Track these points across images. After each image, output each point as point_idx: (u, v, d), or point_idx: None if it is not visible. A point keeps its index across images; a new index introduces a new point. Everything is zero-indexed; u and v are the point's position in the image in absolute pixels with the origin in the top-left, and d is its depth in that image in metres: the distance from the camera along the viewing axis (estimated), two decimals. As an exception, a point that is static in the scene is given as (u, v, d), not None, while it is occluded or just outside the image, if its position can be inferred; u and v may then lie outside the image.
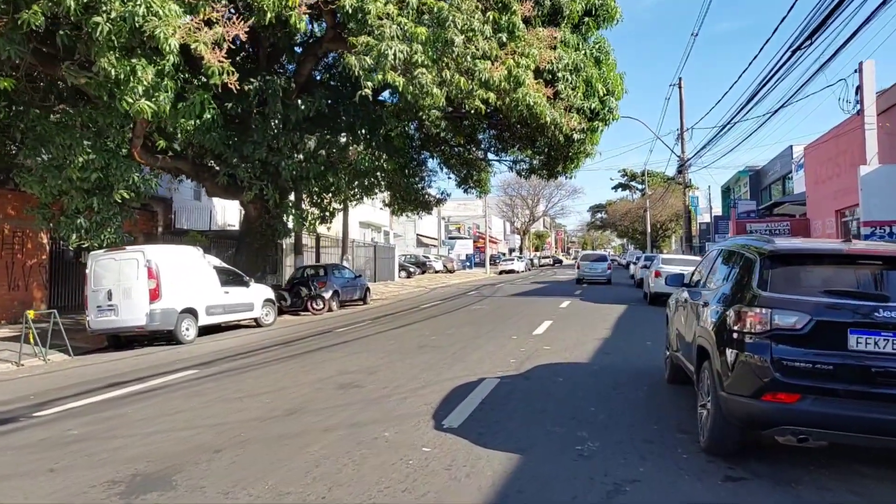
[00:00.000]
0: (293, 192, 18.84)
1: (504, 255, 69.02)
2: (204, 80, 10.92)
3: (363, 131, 16.74)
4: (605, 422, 5.57)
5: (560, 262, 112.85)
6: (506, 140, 22.13)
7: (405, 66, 11.00)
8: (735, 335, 4.37)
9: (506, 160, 22.98)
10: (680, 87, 28.35)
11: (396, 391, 6.85)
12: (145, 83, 9.24)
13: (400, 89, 11.12)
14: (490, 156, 23.21)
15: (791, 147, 44.53)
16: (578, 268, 32.66)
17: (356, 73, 11.09)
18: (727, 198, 64.35)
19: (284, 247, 26.81)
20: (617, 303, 19.05)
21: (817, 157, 35.05)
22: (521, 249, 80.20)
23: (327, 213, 19.47)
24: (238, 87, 11.16)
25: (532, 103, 12.34)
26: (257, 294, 14.06)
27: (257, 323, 14.17)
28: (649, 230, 59.67)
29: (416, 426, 5.45)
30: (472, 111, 12.60)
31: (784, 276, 4.42)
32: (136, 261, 11.35)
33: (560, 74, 13.76)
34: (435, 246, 56.83)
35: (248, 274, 18.29)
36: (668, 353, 7.45)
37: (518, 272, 52.48)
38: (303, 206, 20.01)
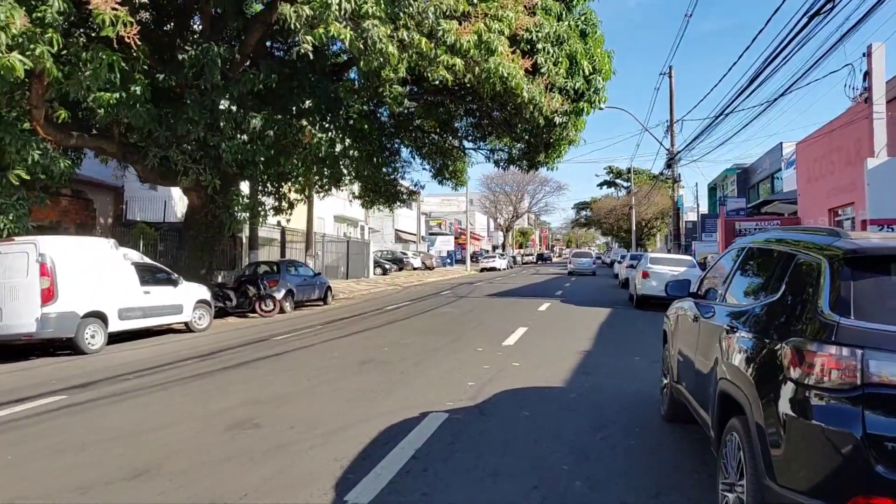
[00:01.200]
0: (244, 180, 16.98)
1: (487, 251, 67.37)
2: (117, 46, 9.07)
3: (321, 113, 14.87)
4: (583, 495, 3.84)
5: (549, 259, 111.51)
6: (484, 127, 20.43)
7: (354, 19, 9.19)
8: (794, 389, 2.64)
9: (483, 149, 21.22)
10: (670, 76, 26.78)
11: (303, 435, 5.06)
12: (13, 30, 7.33)
13: (347, 44, 9.30)
14: (466, 144, 21.44)
15: (781, 144, 43.25)
16: (570, 263, 42.70)
17: (292, 24, 9.26)
18: (713, 196, 63.26)
19: (245, 241, 24.91)
20: (601, 305, 17.40)
21: (810, 154, 33.67)
22: (503, 246, 78.62)
23: (284, 204, 17.61)
24: (167, 56, 9.36)
25: (506, 75, 10.59)
26: (188, 294, 12.18)
27: (188, 328, 12.29)
28: (634, 228, 58.36)
29: (305, 504, 3.69)
30: (437, 82, 10.80)
31: (877, 293, 2.69)
32: (26, 255, 9.41)
33: (540, 46, 12.03)
34: (414, 242, 55.01)
35: (191, 271, 16.40)
36: (665, 380, 5.75)
37: (499, 270, 50.84)
38: (258, 195, 18.16)
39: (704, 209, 59.86)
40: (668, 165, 26.66)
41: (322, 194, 25.03)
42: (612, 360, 8.68)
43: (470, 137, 21.86)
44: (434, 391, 6.63)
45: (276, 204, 17.60)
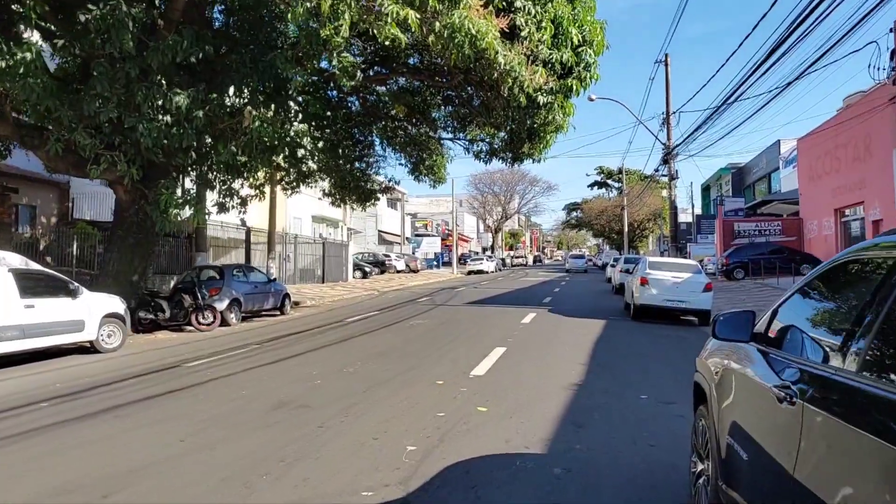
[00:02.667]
0: (181, 173, 14.74)
1: (477, 253, 65.25)
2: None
3: (265, 93, 12.68)
4: None
5: (540, 260, 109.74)
6: (463, 117, 18.30)
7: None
8: None
9: (461, 141, 19.07)
10: (666, 65, 24.78)
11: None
12: None
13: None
14: (444, 135, 19.30)
15: (779, 142, 41.40)
16: (567, 262, 56.09)
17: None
18: (707, 197, 61.47)
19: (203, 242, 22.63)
20: (593, 316, 15.29)
21: (813, 151, 31.73)
22: (492, 248, 76.56)
23: (232, 201, 15.38)
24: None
25: (475, 33, 8.45)
26: (92, 307, 9.94)
27: (94, 348, 10.05)
28: (626, 230, 56.45)
29: None
30: (387, 42, 8.62)
31: None
32: None
33: (519, 3, 9.90)
34: (398, 243, 52.79)
35: (120, 277, 14.15)
36: (699, 465, 3.64)
37: (487, 272, 48.78)
38: (203, 190, 15.92)
39: (698, 210, 58.13)
40: (665, 161, 24.64)
41: (289, 191, 22.86)
42: (610, 401, 6.54)
43: (449, 128, 19.72)
44: (353, 465, 4.47)
45: (222, 200, 15.34)
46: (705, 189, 61.10)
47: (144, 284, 14.70)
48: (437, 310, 17.25)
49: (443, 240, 61.60)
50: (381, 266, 42.52)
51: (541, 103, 11.54)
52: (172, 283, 15.45)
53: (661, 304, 14.33)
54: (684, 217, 57.04)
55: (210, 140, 12.41)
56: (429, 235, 61.61)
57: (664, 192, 70.36)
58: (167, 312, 13.10)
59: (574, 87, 11.73)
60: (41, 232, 21.65)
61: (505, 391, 6.89)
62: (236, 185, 17.14)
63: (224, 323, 13.87)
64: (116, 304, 10.55)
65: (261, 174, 19.11)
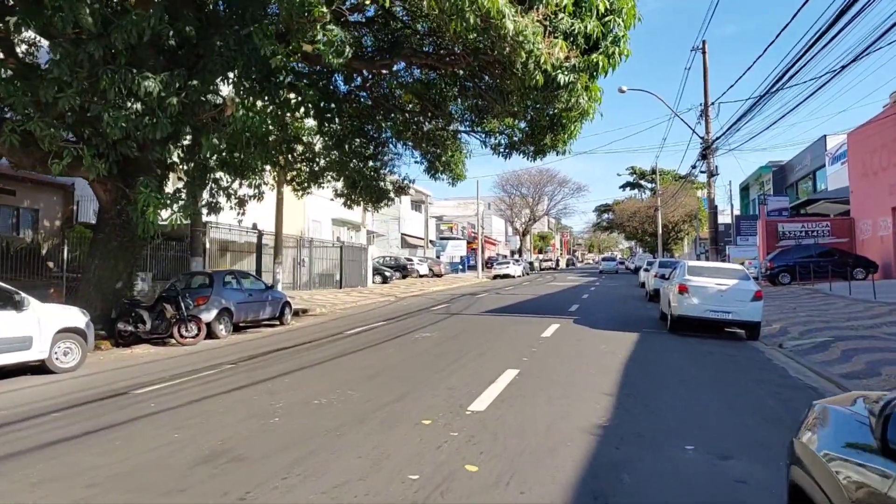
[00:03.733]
0: (166, 170, 13.50)
1: (504, 257, 63.46)
2: None
3: (250, 78, 11.33)
4: None
5: (573, 263, 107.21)
6: (481, 110, 16.75)
7: None
8: None
9: (477, 134, 17.51)
10: (704, 52, 22.83)
11: None
12: None
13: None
14: (459, 127, 17.76)
15: (825, 137, 38.71)
16: (600, 264, 63.45)
17: None
18: (746, 197, 58.58)
19: (209, 246, 21.54)
20: (624, 328, 13.56)
21: (866, 145, 29.17)
22: (520, 252, 74.63)
23: (221, 200, 14.10)
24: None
25: (479, -6, 6.92)
26: (42, 322, 8.67)
27: (47, 367, 8.78)
28: (660, 231, 54.07)
29: None
30: (376, 6, 7.13)
31: None
32: None
33: (532, -41, 8.36)
34: (422, 247, 51.41)
35: (101, 284, 12.98)
36: None
37: (514, 277, 47.03)
38: (197, 186, 14.66)
39: (736, 211, 55.32)
40: (703, 156, 22.66)
41: (300, 192, 21.62)
42: (644, 454, 4.92)
43: (466, 121, 18.18)
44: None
45: (214, 200, 14.08)
46: (744, 189, 58.26)
47: (129, 292, 13.53)
48: (451, 320, 15.70)
49: (469, 243, 59.99)
50: (403, 270, 41.17)
51: (561, 83, 9.90)
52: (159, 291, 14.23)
53: (702, 315, 12.54)
54: (722, 218, 54.32)
55: (190, 132, 11.10)
56: (454, 238, 60.10)
57: (699, 193, 67.58)
58: (148, 324, 11.84)
59: (601, 65, 10.07)
60: (43, 236, 20.76)
61: (507, 437, 5.31)
62: (235, 184, 15.94)
63: (212, 335, 12.57)
64: (75, 317, 9.28)
65: (268, 173, 17.91)
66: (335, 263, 32.47)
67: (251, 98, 11.38)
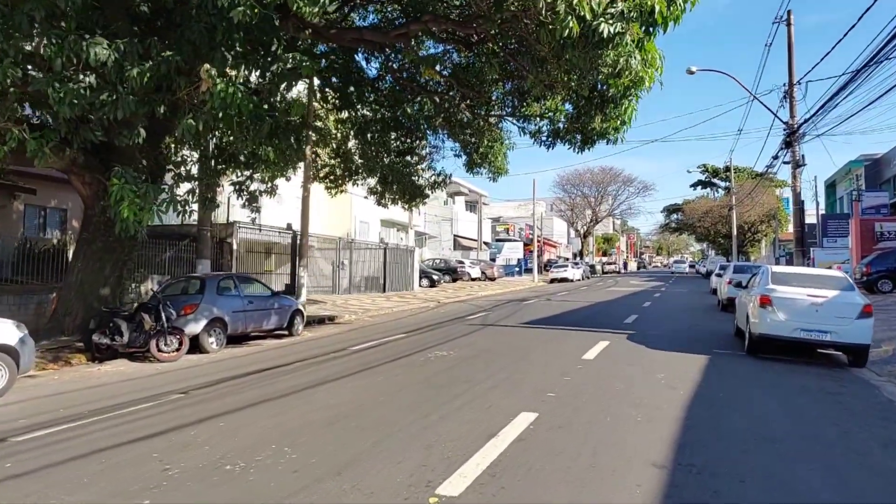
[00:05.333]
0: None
1: (567, 259, 60.43)
2: None
3: (233, 48, 9.60)
4: None
5: (644, 266, 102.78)
6: (522, 92, 14.57)
7: None
8: None
9: (509, 118, 15.30)
10: (789, 24, 19.69)
11: None
12: None
13: None
14: (496, 111, 15.59)
15: (930, 125, 34.06)
16: (671, 267, 72.37)
17: None
18: (832, 195, 53.19)
19: (236, 247, 20.26)
20: (690, 348, 11.03)
21: None
22: (580, 254, 71.26)
23: (209, 197, 12.50)
24: None
25: None
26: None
27: (-36, 393, 7.28)
28: (735, 233, 49.76)
29: None
30: None
31: None
32: None
33: None
34: (475, 249, 49.29)
35: (86, 289, 11.62)
36: None
37: (572, 280, 44.23)
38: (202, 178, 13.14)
39: (822, 209, 50.23)
40: (787, 144, 19.51)
41: (334, 190, 20.02)
42: None
43: (507, 107, 15.98)
44: None
45: (209, 194, 12.51)
46: (829, 186, 52.94)
47: (119, 299, 12.13)
48: (482, 332, 13.55)
49: (526, 245, 57.38)
50: (453, 273, 39.20)
51: (605, 35, 7.61)
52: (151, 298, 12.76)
53: (791, 335, 9.87)
54: (806, 218, 49.38)
55: (164, 111, 9.47)
56: (510, 240, 57.65)
57: (778, 191, 62.22)
58: (125, 337, 10.32)
59: (657, 9, 7.71)
60: (71, 237, 19.95)
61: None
62: (247, 179, 14.41)
63: (198, 349, 10.95)
64: (5, 333, 7.75)
65: (289, 168, 16.31)
66: (379, 266, 30.84)
67: (235, 71, 9.66)
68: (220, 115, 9.70)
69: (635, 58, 8.57)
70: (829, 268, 24.31)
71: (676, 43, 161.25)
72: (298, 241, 19.34)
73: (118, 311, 10.81)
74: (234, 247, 20.01)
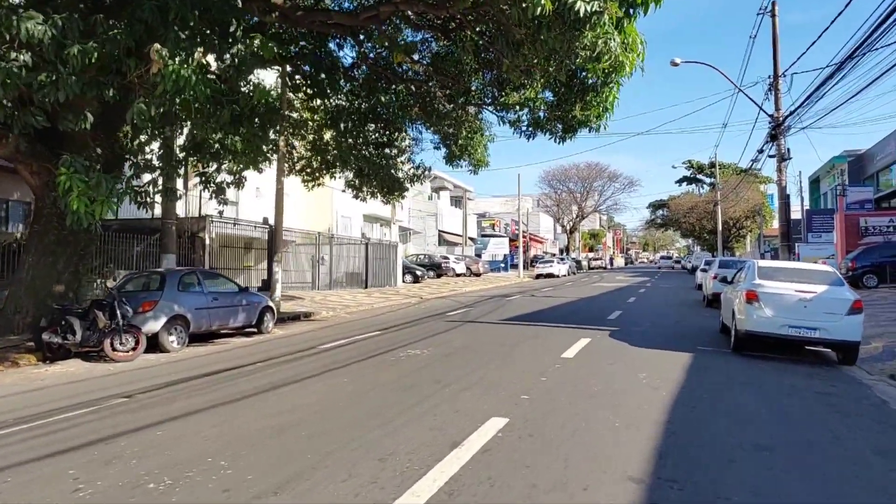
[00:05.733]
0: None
1: (554, 255, 60.08)
2: None
3: (190, 27, 8.99)
4: None
5: (631, 262, 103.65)
6: (501, 82, 14.06)
7: None
8: None
9: (489, 107, 14.80)
10: (773, 15, 19.34)
11: None
12: None
13: None
14: (475, 100, 15.06)
15: (914, 120, 34.05)
16: (657, 263, 74.30)
17: None
18: (816, 190, 53.25)
19: (209, 242, 19.59)
20: (674, 345, 10.61)
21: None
22: (567, 250, 71.04)
23: (169, 188, 11.86)
24: None
25: None
26: None
27: None
28: (720, 228, 49.72)
29: None
30: None
31: None
32: None
33: None
34: (460, 244, 48.78)
35: (37, 286, 10.97)
36: None
37: (558, 276, 43.91)
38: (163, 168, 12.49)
39: (806, 205, 50.27)
40: (772, 137, 19.17)
41: (311, 184, 19.40)
42: None
43: (488, 97, 15.45)
44: None
45: (170, 185, 11.87)
46: (814, 182, 53.05)
47: (77, 296, 11.48)
48: (460, 330, 13.04)
49: (512, 240, 56.98)
50: (437, 269, 38.67)
51: (581, 14, 7.12)
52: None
53: (778, 332, 9.47)
54: (791, 213, 49.36)
55: (113, 94, 8.84)
56: (496, 236, 57.19)
57: (763, 187, 62.31)
58: (77, 335, 9.70)
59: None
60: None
61: None
62: (213, 169, 13.77)
63: (158, 348, 10.35)
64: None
65: (267, 160, 15.66)
66: (361, 262, 30.24)
67: (191, 53, 9.03)
68: (178, 100, 9.16)
69: (614, 40, 8.08)
70: (815, 263, 24.10)
71: (661, 40, 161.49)
72: (273, 236, 18.71)
73: (71, 309, 10.16)
74: (207, 241, 19.33)
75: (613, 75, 9.62)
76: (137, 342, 9.84)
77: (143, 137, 11.46)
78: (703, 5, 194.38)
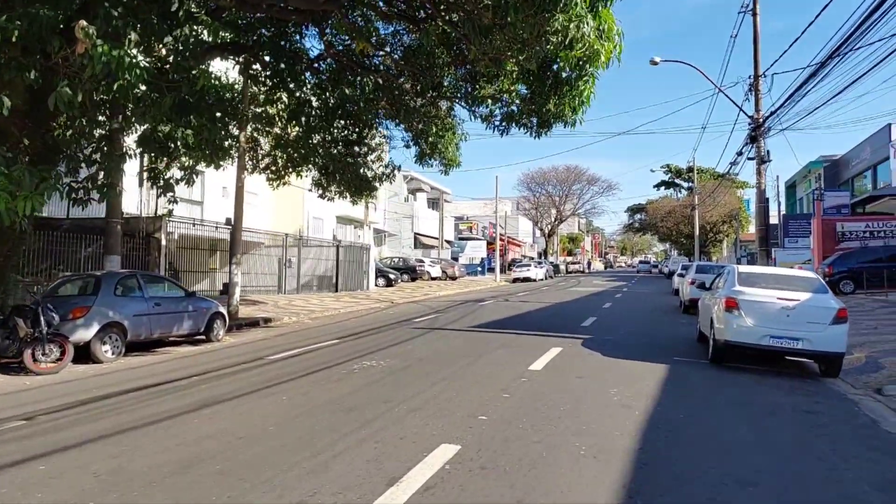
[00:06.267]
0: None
1: (533, 258, 59.58)
2: None
3: (119, 2, 8.12)
4: None
5: (611, 266, 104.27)
6: (476, 77, 13.37)
7: None
8: None
9: (459, 101, 14.09)
10: (754, 14, 18.94)
11: None
12: None
13: None
14: (447, 94, 14.33)
15: (889, 126, 33.90)
16: (636, 267, 75.61)
17: None
18: (792, 196, 53.51)
19: (165, 243, 18.57)
20: (649, 355, 9.96)
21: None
22: (545, 254, 70.69)
23: (107, 183, 10.91)
24: None
25: None
26: None
27: None
28: (697, 233, 49.64)
29: None
30: None
31: None
32: None
33: None
34: (436, 247, 48.02)
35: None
36: None
37: (535, 280, 43.37)
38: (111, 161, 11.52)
39: (782, 210, 50.42)
40: (752, 139, 18.76)
41: (276, 182, 18.47)
42: None
43: (460, 94, 14.72)
44: None
45: (109, 180, 10.91)
46: (790, 187, 53.34)
47: (5, 301, 10.47)
48: (424, 338, 12.28)
49: (489, 244, 56.39)
50: (412, 272, 37.87)
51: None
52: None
53: (759, 343, 8.86)
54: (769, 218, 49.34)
55: (36, 77, 7.94)
56: (474, 239, 56.57)
57: (739, 191, 62.50)
58: (-4, 344, 8.75)
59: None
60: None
61: None
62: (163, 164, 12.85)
63: (90, 358, 9.42)
64: None
65: (224, 156, 14.74)
66: (332, 265, 29.32)
67: (123, 31, 8.16)
68: (116, 86, 8.28)
69: (588, 24, 7.40)
70: (791, 268, 23.83)
71: (641, 48, 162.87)
72: (247, 237, 17.78)
73: (-11, 316, 9.20)
74: (164, 242, 18.32)
75: (588, 66, 8.93)
76: (64, 352, 8.90)
77: (88, 129, 10.52)
78: (683, 14, 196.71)
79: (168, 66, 10.07)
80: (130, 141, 12.34)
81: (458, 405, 6.50)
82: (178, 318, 11.19)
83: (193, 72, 10.17)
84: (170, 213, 13.31)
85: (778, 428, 6.06)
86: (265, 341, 12.21)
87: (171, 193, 12.69)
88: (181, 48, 8.99)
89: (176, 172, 12.92)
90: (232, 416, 6.14)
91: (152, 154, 12.42)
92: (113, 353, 9.75)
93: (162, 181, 12.64)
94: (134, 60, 7.92)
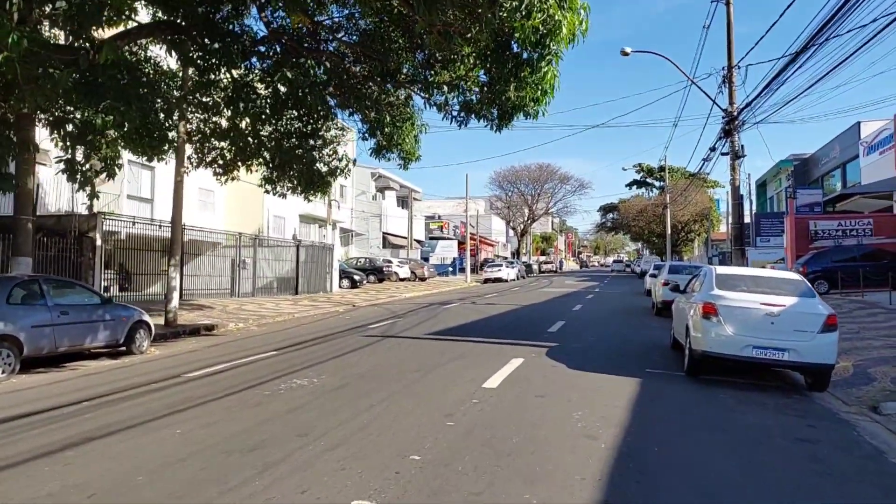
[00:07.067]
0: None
1: (506, 258, 58.68)
2: None
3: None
4: None
5: (586, 265, 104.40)
6: (432, 62, 12.27)
7: None
8: None
9: (413, 88, 12.96)
10: (728, 3, 18.16)
11: None
12: None
13: None
14: (397, 79, 13.16)
15: (858, 124, 33.69)
16: (610, 266, 76.66)
17: None
18: (763, 194, 53.52)
19: (100, 243, 17.05)
20: (619, 367, 8.93)
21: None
22: (517, 254, 69.93)
23: (2, 175, 9.54)
24: None
25: None
26: None
27: None
28: (669, 232, 49.25)
29: None
30: None
31: None
32: None
33: None
34: (405, 247, 46.78)
35: None
36: None
37: (506, 281, 42.45)
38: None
39: (753, 208, 50.34)
40: (726, 133, 17.97)
41: (223, 178, 17.05)
42: None
43: (419, 83, 13.55)
44: None
45: (2, 170, 9.52)
46: (760, 185, 53.34)
47: None
48: (373, 348, 11.10)
49: (461, 243, 55.35)
50: (379, 273, 36.58)
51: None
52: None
53: (741, 354, 7.88)
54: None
55: None
56: (445, 238, 55.46)
57: (710, 191, 62.57)
58: None
59: None
60: None
61: None
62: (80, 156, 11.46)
63: (-30, 379, 8.05)
64: None
65: (156, 148, 13.36)
66: (292, 266, 27.93)
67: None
68: (1, 58, 6.99)
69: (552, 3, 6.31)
70: (763, 267, 23.20)
71: (613, 47, 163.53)
72: (194, 236, 16.37)
73: None
74: (98, 242, 16.81)
75: (550, 42, 7.86)
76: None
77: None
78: (653, 16, 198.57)
79: (69, 41, 8.77)
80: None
81: (390, 439, 5.35)
82: (92, 328, 9.82)
83: (91, 44, 8.84)
84: (90, 209, 11.90)
85: (770, 463, 5.04)
86: (195, 353, 10.90)
87: (92, 189, 11.33)
88: (75, 13, 7.68)
89: (97, 164, 11.54)
90: (100, 460, 4.89)
91: (67, 143, 11.03)
92: (2, 372, 8.37)
93: (80, 174, 11.25)
94: (10, 25, 6.63)
